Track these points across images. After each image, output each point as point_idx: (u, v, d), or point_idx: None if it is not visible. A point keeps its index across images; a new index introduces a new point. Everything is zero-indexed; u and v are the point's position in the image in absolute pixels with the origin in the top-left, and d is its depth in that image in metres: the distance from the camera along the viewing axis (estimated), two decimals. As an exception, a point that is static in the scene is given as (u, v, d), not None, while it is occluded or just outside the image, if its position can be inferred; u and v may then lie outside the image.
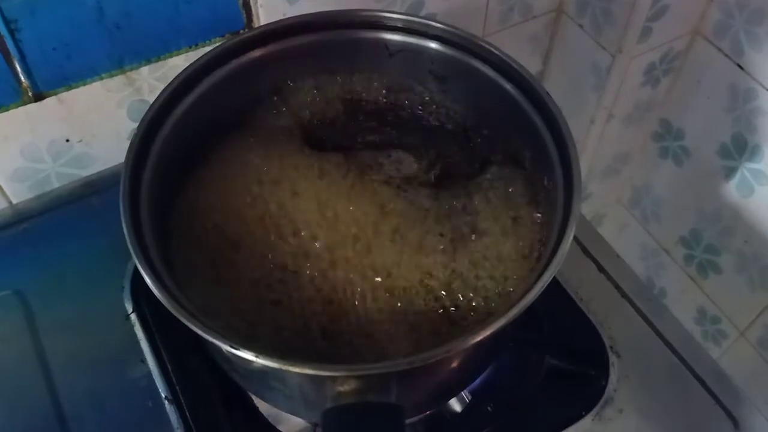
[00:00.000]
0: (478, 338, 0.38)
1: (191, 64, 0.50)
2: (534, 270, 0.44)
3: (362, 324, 0.45)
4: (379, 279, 0.47)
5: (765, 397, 0.92)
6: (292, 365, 0.36)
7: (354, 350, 0.45)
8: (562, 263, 0.41)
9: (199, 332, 0.37)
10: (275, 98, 0.55)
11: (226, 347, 0.37)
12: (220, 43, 0.52)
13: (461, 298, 0.47)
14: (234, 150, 0.53)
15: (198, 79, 0.50)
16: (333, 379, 0.37)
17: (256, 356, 0.36)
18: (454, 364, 0.44)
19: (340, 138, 0.54)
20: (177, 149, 0.49)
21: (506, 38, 0.82)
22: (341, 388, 0.37)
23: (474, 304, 0.47)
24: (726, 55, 0.81)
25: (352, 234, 0.48)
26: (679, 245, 1.00)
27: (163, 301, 0.39)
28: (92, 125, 0.63)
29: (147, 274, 0.40)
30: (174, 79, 0.49)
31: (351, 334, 0.45)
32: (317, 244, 0.48)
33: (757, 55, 0.78)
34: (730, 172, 0.87)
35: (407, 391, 0.42)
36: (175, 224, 0.48)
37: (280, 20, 0.53)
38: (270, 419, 0.54)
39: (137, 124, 0.47)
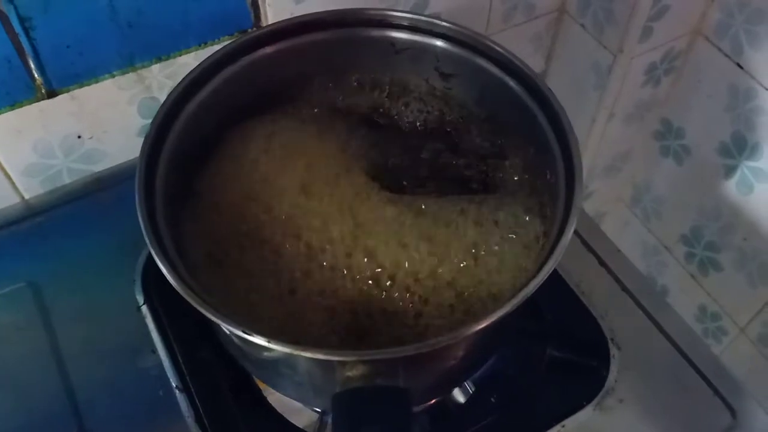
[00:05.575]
0: (483, 325, 0.39)
1: (205, 59, 0.51)
2: (536, 261, 0.45)
3: (375, 316, 0.47)
4: (390, 273, 0.48)
5: (765, 394, 0.92)
6: (303, 350, 0.38)
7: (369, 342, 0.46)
8: (564, 256, 0.42)
9: (213, 318, 0.38)
10: (284, 95, 0.57)
11: (239, 332, 0.38)
12: (232, 40, 0.53)
13: (466, 289, 0.48)
14: (244, 145, 0.54)
15: (211, 75, 0.51)
16: (343, 364, 0.38)
17: (269, 341, 0.37)
18: (460, 351, 0.45)
19: (348, 134, 0.55)
20: (189, 144, 0.50)
21: (509, 38, 0.83)
22: (351, 373, 0.38)
23: (478, 295, 0.48)
24: (726, 55, 0.82)
25: (360, 229, 0.50)
26: (680, 243, 1.01)
27: (177, 288, 0.40)
28: (103, 122, 0.64)
29: (161, 262, 0.41)
30: (189, 73, 0.50)
31: (367, 325, 0.47)
32: (331, 237, 0.49)
33: (756, 55, 0.79)
34: (730, 171, 0.88)
35: (414, 377, 0.43)
36: (188, 216, 0.49)
37: (290, 18, 0.54)
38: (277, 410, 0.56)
39: (149, 120, 0.48)
